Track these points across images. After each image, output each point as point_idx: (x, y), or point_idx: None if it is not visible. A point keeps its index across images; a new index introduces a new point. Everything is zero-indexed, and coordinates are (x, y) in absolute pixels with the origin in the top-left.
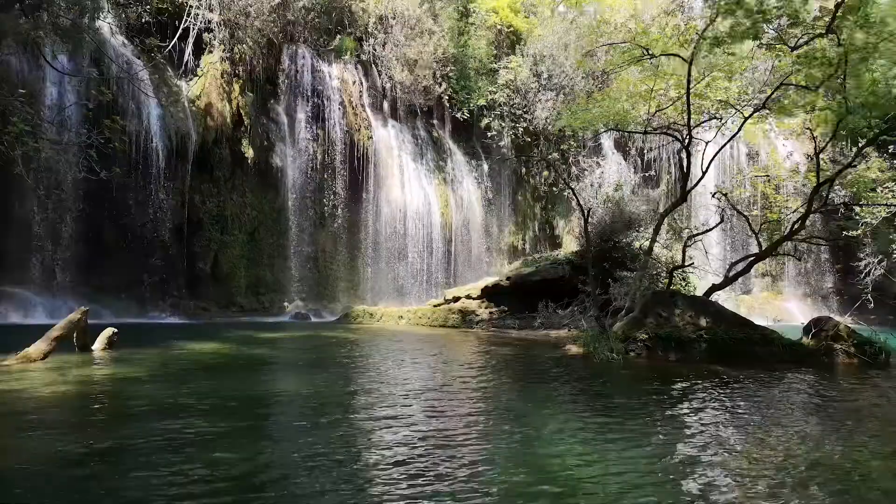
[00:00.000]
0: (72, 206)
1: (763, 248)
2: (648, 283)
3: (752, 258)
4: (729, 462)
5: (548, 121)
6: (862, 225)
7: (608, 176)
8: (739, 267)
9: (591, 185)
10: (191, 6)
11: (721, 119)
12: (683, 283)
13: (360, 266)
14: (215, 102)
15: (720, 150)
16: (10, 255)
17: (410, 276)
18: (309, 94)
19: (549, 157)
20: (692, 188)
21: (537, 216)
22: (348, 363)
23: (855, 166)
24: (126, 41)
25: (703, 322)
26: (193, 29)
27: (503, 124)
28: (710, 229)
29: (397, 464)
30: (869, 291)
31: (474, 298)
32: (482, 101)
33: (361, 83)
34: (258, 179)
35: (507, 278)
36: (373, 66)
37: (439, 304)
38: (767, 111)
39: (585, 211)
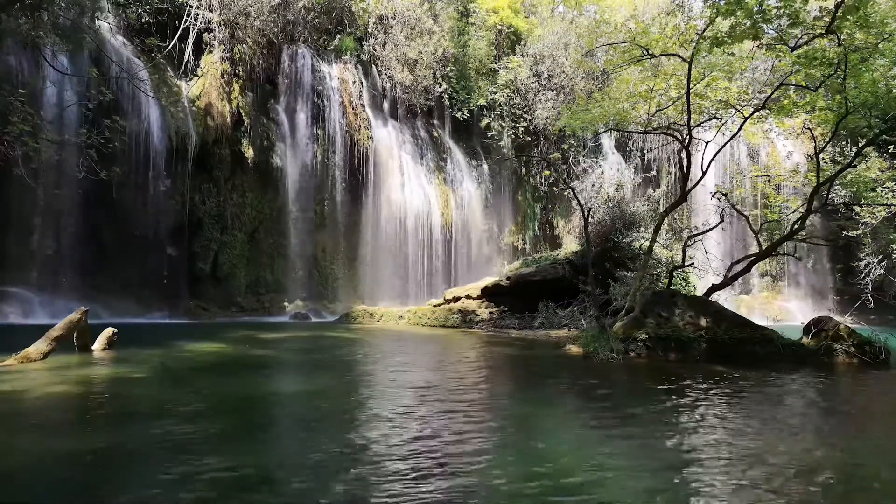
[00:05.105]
0: (72, 206)
1: (763, 248)
2: (648, 283)
3: (752, 258)
4: (729, 462)
5: (548, 121)
6: (862, 225)
7: (608, 176)
8: (739, 267)
9: (592, 185)
10: (191, 6)
11: (721, 119)
12: (683, 283)
13: (360, 266)
14: (215, 102)
15: (720, 150)
16: (10, 255)
17: (410, 275)
18: (309, 94)
19: (549, 157)
20: (692, 188)
21: (537, 216)
22: (348, 363)
23: (855, 166)
24: (126, 41)
25: (703, 322)
26: (193, 29)
27: (503, 124)
28: (710, 229)
29: (398, 464)
30: (869, 291)
31: (474, 298)
32: (482, 101)
33: (361, 83)
34: (258, 179)
35: (507, 278)
36: (373, 65)
37: (439, 304)
38: (767, 111)
39: (585, 211)
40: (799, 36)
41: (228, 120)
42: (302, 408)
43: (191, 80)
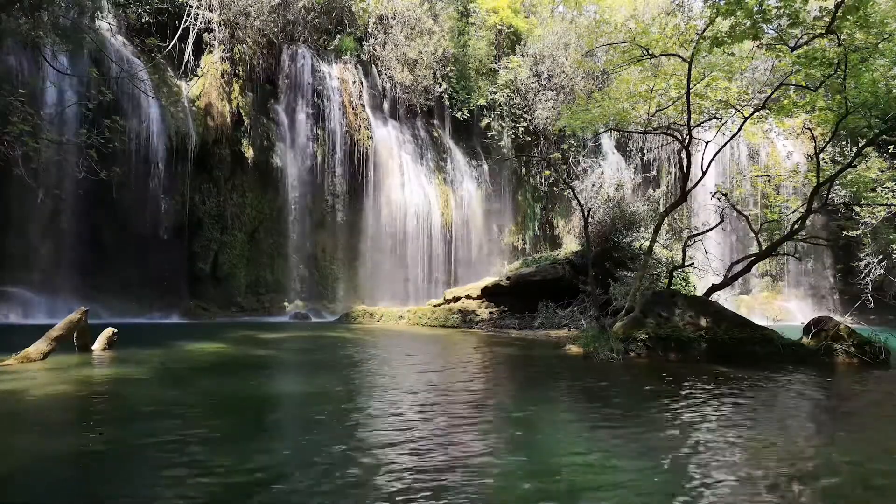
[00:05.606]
0: (72, 205)
1: (763, 248)
2: (648, 283)
3: (752, 258)
4: (729, 462)
5: (548, 121)
6: (862, 225)
7: (608, 176)
8: (739, 267)
9: (592, 185)
10: (191, 6)
11: (721, 119)
12: (683, 283)
13: (360, 266)
14: (215, 102)
15: (720, 150)
16: (10, 255)
17: (410, 275)
18: (309, 94)
19: (549, 157)
20: (692, 188)
21: (537, 216)
22: (348, 363)
23: (855, 166)
24: (126, 41)
25: (703, 322)
26: (193, 29)
27: (503, 124)
28: (710, 229)
29: (398, 465)
30: (869, 291)
31: (474, 298)
32: (482, 101)
33: (361, 83)
34: (258, 179)
35: (507, 278)
36: (373, 65)
37: (439, 304)
38: (767, 111)
39: (586, 211)
40: (799, 36)
41: (228, 120)
42: (302, 408)
43: (191, 80)
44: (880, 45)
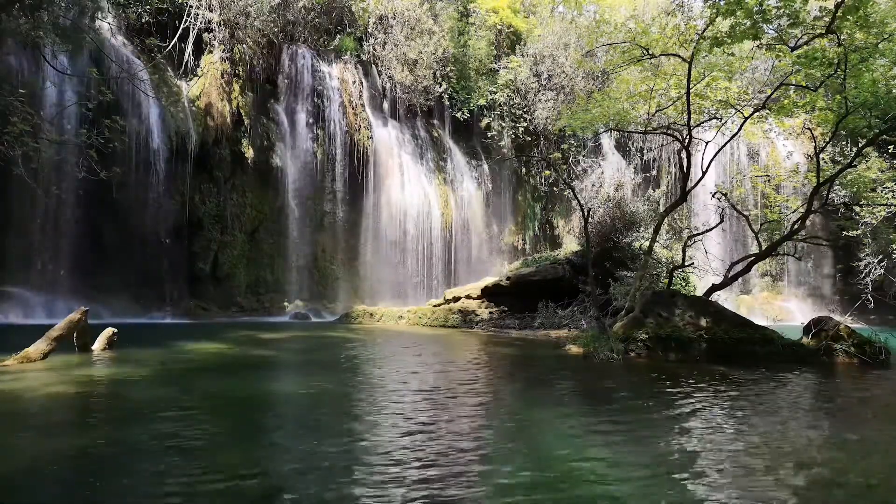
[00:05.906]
0: (72, 205)
1: (763, 248)
2: (648, 283)
3: (752, 258)
4: (730, 462)
5: (548, 121)
6: (862, 225)
7: (608, 176)
8: (739, 267)
9: (592, 185)
10: (191, 6)
11: (721, 119)
12: (683, 283)
13: (360, 266)
14: (215, 102)
15: (720, 150)
16: (10, 255)
17: (410, 276)
18: (309, 94)
19: (549, 157)
20: (692, 188)
21: (537, 216)
22: (348, 364)
23: (855, 166)
24: (126, 41)
25: (703, 322)
26: (193, 29)
27: (503, 124)
28: (710, 229)
29: (398, 466)
30: (869, 291)
31: (474, 298)
32: (482, 101)
33: (361, 83)
34: (258, 179)
35: (507, 278)
36: (373, 65)
37: (439, 304)
38: (767, 111)
39: (585, 211)
40: (799, 36)
41: (228, 120)
42: (303, 409)
43: (191, 80)
44: (880, 45)
